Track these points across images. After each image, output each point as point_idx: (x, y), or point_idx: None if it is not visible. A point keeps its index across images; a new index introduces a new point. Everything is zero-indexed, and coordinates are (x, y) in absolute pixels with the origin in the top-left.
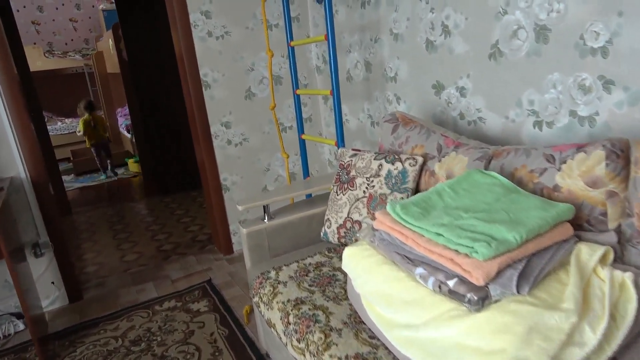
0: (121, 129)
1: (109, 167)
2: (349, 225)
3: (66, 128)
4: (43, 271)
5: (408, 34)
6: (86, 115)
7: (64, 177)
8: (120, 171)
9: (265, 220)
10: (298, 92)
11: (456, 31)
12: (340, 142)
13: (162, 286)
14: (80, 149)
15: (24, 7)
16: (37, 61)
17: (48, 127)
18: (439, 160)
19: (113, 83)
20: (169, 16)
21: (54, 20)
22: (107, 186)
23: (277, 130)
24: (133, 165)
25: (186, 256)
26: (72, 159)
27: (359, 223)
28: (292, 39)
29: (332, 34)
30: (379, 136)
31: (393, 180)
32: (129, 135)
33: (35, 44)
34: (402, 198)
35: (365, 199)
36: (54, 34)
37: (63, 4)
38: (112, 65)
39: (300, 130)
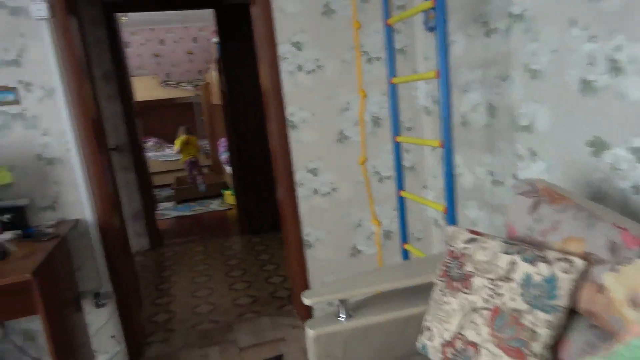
0: (221, 159)
1: (201, 182)
2: (459, 345)
3: (173, 155)
4: (103, 324)
5: (552, 70)
6: (183, 136)
7: (165, 205)
8: (216, 202)
9: (341, 318)
10: (398, 139)
11: (633, 68)
12: (450, 207)
13: (227, 354)
14: (184, 177)
15: (148, 40)
16: (154, 91)
17: (156, 153)
18: (613, 269)
19: (217, 114)
20: (257, 47)
21: (173, 52)
22: (202, 218)
23: (367, 190)
24: (229, 198)
25: (261, 317)
26: (175, 186)
27: (476, 346)
28: (394, 74)
29: (446, 70)
30: (508, 212)
31: (534, 291)
32: (226, 167)
33: (156, 74)
34: (550, 323)
35: (487, 312)
36: (172, 66)
37: (182, 38)
38: (217, 96)
39: (400, 184)
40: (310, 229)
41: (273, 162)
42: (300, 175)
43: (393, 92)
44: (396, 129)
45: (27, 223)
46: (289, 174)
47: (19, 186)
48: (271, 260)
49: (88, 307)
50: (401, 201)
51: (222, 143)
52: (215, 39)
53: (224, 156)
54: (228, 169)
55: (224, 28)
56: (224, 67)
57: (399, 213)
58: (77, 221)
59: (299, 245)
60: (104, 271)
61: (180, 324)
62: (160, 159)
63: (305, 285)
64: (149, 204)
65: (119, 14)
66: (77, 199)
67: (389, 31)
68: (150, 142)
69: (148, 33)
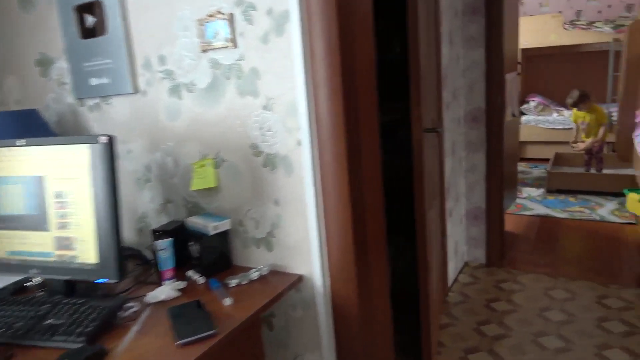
0: (635, 141)
1: (597, 169)
2: None
3: (561, 122)
4: None
5: None
6: (575, 111)
7: (529, 191)
8: (610, 205)
9: None
10: None
11: None
12: None
13: None
14: (567, 154)
15: None
16: (552, 34)
17: (538, 117)
18: None
19: None
20: None
21: None
22: (579, 228)
23: None
24: (635, 205)
25: None
26: (549, 168)
27: None
28: None
29: None
30: None
31: None
32: None
33: (560, 12)
34: None
35: None
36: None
37: None
38: None
39: None
40: None
41: None
42: None
43: None
44: None
45: (226, 261)
46: None
47: (222, 196)
48: None
49: None
50: None
51: None
52: None
53: None
54: None
55: None
56: None
57: None
58: (299, 279)
59: None
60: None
61: None
62: (541, 125)
63: None
64: (497, 199)
65: None
66: (304, 238)
67: None
68: (533, 102)
69: None
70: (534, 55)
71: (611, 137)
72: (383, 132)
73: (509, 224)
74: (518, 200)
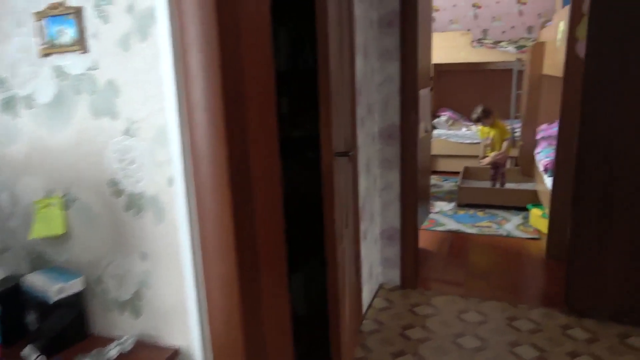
0: (536, 158)
1: (500, 184)
2: None
3: (469, 137)
4: None
5: None
6: (481, 127)
7: (441, 205)
8: (516, 219)
9: None
10: None
11: None
12: None
13: None
14: (475, 168)
15: None
16: (461, 51)
17: (448, 132)
18: None
19: (547, 90)
20: None
21: (497, 2)
22: (487, 243)
23: None
24: (537, 221)
25: None
26: (459, 182)
27: None
28: None
29: None
30: None
31: None
32: (544, 176)
33: (469, 30)
34: None
35: None
36: (493, 19)
37: None
38: (553, 64)
39: None
40: None
41: None
42: None
43: None
44: None
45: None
46: None
47: (74, 246)
48: None
49: None
50: None
51: (544, 133)
52: None
53: (542, 156)
54: (547, 180)
55: None
56: (592, 13)
57: None
58: (175, 354)
59: None
60: None
61: None
62: (452, 139)
63: None
64: (411, 218)
65: None
66: (180, 301)
67: None
68: (444, 116)
69: None
70: (444, 71)
71: (514, 152)
72: (298, 147)
73: (423, 241)
74: (431, 215)
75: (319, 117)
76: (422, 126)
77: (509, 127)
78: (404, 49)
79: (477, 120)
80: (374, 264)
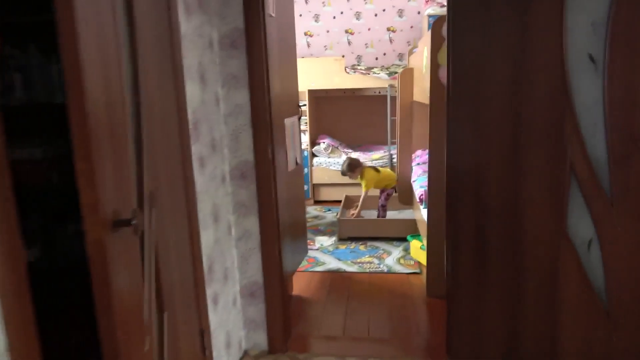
0: (413, 186)
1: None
2: None
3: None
4: None
5: None
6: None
7: (322, 240)
8: (398, 251)
9: None
10: None
11: None
12: None
13: None
14: (356, 197)
15: (342, 12)
16: (335, 77)
17: (329, 159)
18: None
19: (418, 116)
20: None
21: (369, 29)
22: (369, 283)
23: None
24: (417, 252)
25: None
26: (339, 215)
27: None
28: None
29: None
30: None
31: None
32: (421, 207)
33: (343, 56)
34: None
35: None
36: (366, 46)
37: (384, 10)
38: (420, 91)
39: None
40: None
41: None
42: None
43: None
44: None
45: None
46: None
47: None
48: None
49: None
50: None
51: (419, 159)
52: (430, 11)
53: (417, 185)
54: (423, 211)
55: None
56: (453, 40)
57: None
58: None
59: None
60: None
61: None
62: (332, 167)
63: None
64: (276, 270)
65: None
66: None
67: None
68: (323, 143)
69: (343, 4)
70: (321, 97)
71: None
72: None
73: (299, 286)
74: (310, 253)
75: (76, 173)
76: (292, 157)
77: (385, 165)
78: (252, 74)
79: (344, 174)
80: (233, 329)
